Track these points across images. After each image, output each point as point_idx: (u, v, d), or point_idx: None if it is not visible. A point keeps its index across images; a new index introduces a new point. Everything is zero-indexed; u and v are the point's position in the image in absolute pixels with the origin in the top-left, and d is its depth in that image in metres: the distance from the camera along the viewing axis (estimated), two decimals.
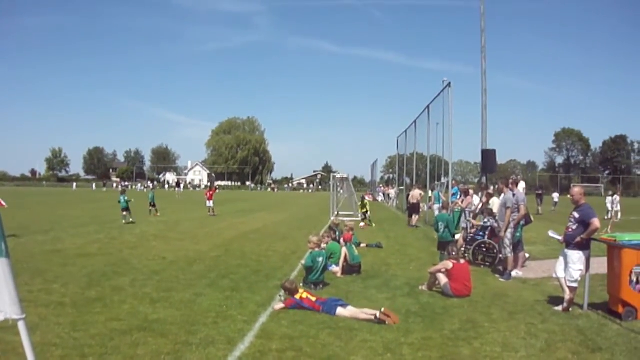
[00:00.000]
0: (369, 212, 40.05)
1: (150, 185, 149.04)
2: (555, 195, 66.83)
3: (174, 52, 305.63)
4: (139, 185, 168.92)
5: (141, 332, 10.15)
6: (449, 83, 30.55)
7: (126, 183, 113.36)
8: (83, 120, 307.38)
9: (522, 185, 29.58)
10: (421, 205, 38.94)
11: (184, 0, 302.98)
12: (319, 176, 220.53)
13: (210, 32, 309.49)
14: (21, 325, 4.91)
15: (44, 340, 9.50)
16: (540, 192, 61.13)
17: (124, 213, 36.02)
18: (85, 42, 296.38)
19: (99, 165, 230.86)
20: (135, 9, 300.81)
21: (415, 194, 37.57)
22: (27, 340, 4.94)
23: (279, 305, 12.18)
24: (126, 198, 36.40)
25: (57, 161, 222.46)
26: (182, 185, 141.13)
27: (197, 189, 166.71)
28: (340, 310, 11.57)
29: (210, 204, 45.22)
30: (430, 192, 41.32)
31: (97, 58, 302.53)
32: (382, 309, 11.33)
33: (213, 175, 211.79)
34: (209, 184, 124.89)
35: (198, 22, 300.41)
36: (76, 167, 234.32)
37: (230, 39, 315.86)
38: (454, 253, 14.57)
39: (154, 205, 44.64)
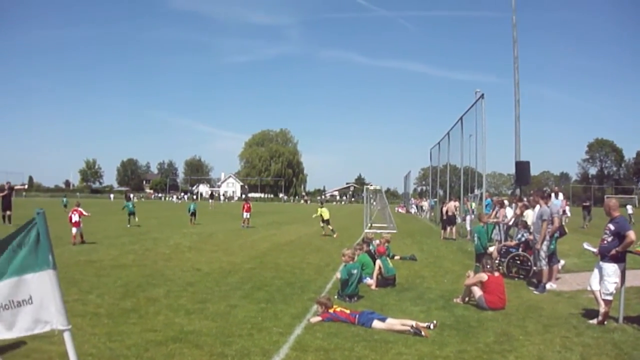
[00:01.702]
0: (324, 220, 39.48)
1: (185, 196, 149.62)
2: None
3: (207, 64, 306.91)
4: (174, 197, 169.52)
5: (177, 343, 10.20)
6: (482, 94, 30.44)
7: (132, 194, 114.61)
8: (117, 132, 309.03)
9: (560, 196, 29.46)
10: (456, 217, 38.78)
11: (216, 13, 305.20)
12: (351, 188, 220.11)
13: (242, 44, 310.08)
14: (67, 336, 4.95)
15: (80, 350, 9.50)
16: (587, 203, 55.38)
17: (130, 217, 40.16)
18: (120, 55, 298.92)
19: (132, 176, 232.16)
20: (168, 22, 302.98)
21: (451, 206, 37.38)
22: (72, 351, 4.98)
23: (314, 318, 12.19)
24: (133, 204, 41.36)
25: (90, 172, 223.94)
26: (215, 197, 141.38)
27: (231, 201, 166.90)
28: (376, 323, 11.55)
29: (247, 215, 45.27)
30: (466, 204, 41.08)
31: (131, 71, 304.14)
32: (414, 324, 11.33)
33: (246, 187, 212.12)
34: (243, 196, 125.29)
35: (230, 35, 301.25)
36: (110, 178, 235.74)
37: (261, 51, 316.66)
38: (488, 266, 14.49)
39: (194, 215, 46.06)
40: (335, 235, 37.02)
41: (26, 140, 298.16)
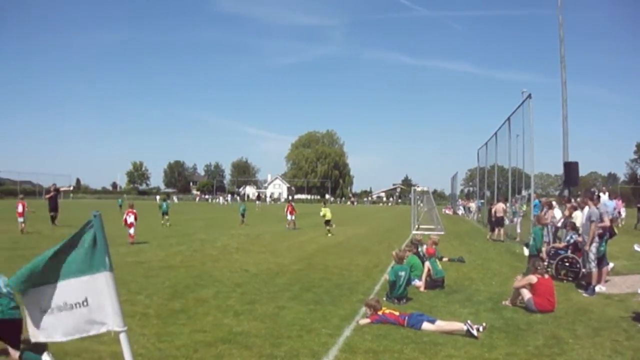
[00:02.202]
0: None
1: (230, 198, 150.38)
2: None
3: (253, 66, 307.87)
4: (220, 198, 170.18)
5: (226, 344, 10.28)
6: (529, 94, 30.25)
7: (168, 194, 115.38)
8: (164, 134, 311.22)
9: (604, 196, 29.23)
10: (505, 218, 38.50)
11: (261, 15, 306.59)
12: (398, 189, 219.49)
13: (287, 46, 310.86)
14: (122, 337, 5.00)
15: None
16: None
17: (166, 217, 41.66)
18: (167, 57, 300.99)
19: (179, 178, 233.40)
20: (213, 24, 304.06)
21: (499, 207, 37.15)
22: (128, 352, 5.04)
23: (363, 320, 12.20)
24: (168, 204, 43.24)
25: (137, 174, 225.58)
26: (262, 199, 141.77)
27: (277, 203, 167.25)
28: (426, 325, 11.54)
29: (291, 217, 45.25)
30: (515, 205, 40.75)
31: (178, 73, 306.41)
32: (468, 321, 11.29)
33: (292, 188, 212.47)
34: (289, 197, 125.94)
35: (275, 37, 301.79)
36: (157, 180, 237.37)
37: (306, 52, 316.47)
38: (539, 268, 14.39)
39: (243, 216, 47.08)
40: (329, 235, 38.27)
41: (74, 143, 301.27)
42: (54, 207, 42.23)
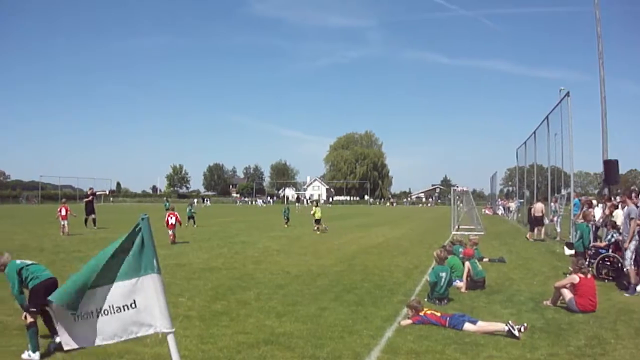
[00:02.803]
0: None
1: (270, 200, 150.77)
2: None
3: (290, 68, 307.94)
4: (259, 201, 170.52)
5: (268, 346, 10.37)
6: (567, 92, 30.09)
7: (194, 200, 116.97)
8: (203, 137, 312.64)
9: None
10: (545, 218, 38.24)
11: (296, 18, 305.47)
12: (437, 190, 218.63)
13: (324, 48, 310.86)
14: (170, 339, 5.09)
15: None
16: None
17: (190, 221, 42.74)
18: (204, 62, 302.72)
19: (218, 181, 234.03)
20: (249, 28, 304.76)
21: (539, 207, 36.92)
22: (175, 353, 5.12)
23: (405, 321, 12.23)
24: (193, 209, 44.81)
25: (177, 177, 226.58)
26: (301, 201, 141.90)
27: (328, 205, 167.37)
28: (468, 326, 11.55)
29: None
30: (555, 204, 40.42)
31: (216, 77, 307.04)
32: (509, 321, 11.29)
33: (332, 190, 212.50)
34: (315, 200, 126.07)
35: (312, 39, 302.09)
36: (196, 183, 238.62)
37: (343, 54, 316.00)
38: (583, 267, 14.32)
39: (288, 218, 48.04)
40: (319, 232, 40.84)
41: (114, 147, 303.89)
42: (90, 210, 43.57)
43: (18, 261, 10.35)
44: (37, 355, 9.76)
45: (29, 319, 9.94)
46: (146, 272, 5.25)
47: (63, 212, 37.47)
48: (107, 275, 5.26)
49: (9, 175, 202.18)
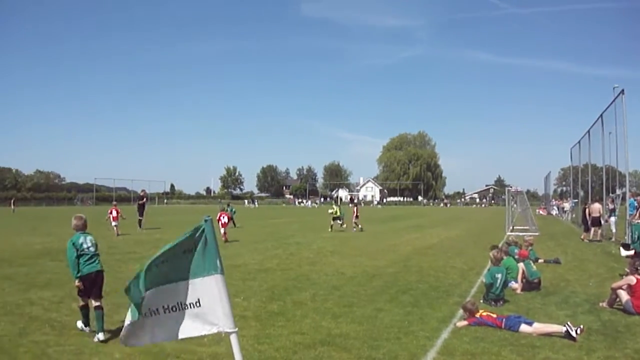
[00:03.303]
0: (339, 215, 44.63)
1: (320, 201, 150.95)
2: None
3: (340, 69, 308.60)
4: (308, 202, 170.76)
5: (325, 346, 10.44)
6: (622, 90, 29.80)
7: (229, 201, 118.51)
8: (257, 139, 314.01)
9: None
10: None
11: (346, 19, 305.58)
12: (491, 190, 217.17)
13: (375, 48, 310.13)
14: (233, 338, 5.19)
15: (228, 351, 9.85)
16: None
17: (229, 221, 41.90)
18: (257, 64, 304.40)
19: (272, 182, 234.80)
20: (301, 29, 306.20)
21: (596, 207, 36.51)
22: (238, 353, 5.22)
23: (461, 322, 12.23)
24: (233, 209, 45.86)
25: (231, 179, 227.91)
26: (355, 201, 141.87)
27: (370, 206, 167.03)
28: (524, 327, 11.50)
29: (355, 220, 45.64)
30: (611, 204, 39.96)
31: (268, 78, 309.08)
32: (568, 322, 11.26)
33: (385, 191, 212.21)
34: (355, 200, 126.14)
35: (362, 40, 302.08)
36: (250, 184, 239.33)
37: (394, 54, 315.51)
38: (639, 268, 14.20)
39: (341, 219, 46.80)
40: (331, 230, 43.47)
41: (169, 149, 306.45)
42: (142, 212, 45.85)
43: (81, 240, 11.82)
44: (101, 334, 11.03)
45: (81, 303, 11.72)
46: (210, 273, 5.35)
47: (114, 214, 39.73)
48: (172, 274, 5.37)
49: (64, 178, 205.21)
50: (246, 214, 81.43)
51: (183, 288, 5.35)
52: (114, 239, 34.08)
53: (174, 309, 5.39)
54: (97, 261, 12.00)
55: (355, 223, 45.07)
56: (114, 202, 45.15)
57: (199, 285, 5.35)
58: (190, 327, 5.43)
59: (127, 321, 5.61)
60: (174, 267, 5.40)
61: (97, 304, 11.62)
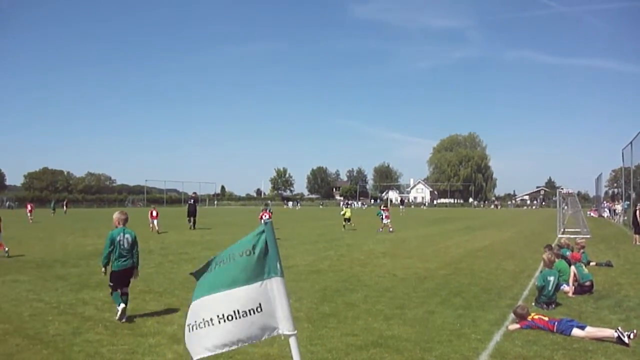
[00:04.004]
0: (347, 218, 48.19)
1: (369, 202, 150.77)
2: None
3: (392, 71, 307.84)
4: (358, 203, 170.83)
5: (377, 348, 10.46)
6: None
7: (268, 201, 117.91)
8: (307, 141, 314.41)
9: None
10: None
11: (396, 20, 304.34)
12: (542, 192, 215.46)
13: (425, 50, 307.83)
14: (292, 340, 5.24)
15: (281, 353, 9.98)
16: None
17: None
18: (307, 66, 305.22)
19: (322, 184, 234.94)
20: (350, 31, 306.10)
21: None
22: (297, 355, 5.26)
23: (513, 326, 12.17)
24: (270, 209, 45.90)
25: (281, 181, 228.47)
26: (405, 203, 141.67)
27: (422, 207, 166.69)
28: (576, 331, 11.42)
29: (387, 221, 46.08)
30: None
31: (319, 80, 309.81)
32: (619, 327, 11.19)
33: (436, 192, 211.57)
34: (389, 200, 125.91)
35: (412, 41, 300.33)
36: (300, 186, 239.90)
37: (445, 55, 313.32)
38: None
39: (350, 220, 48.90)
40: (344, 229, 46.49)
41: (220, 151, 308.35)
42: (192, 212, 47.63)
43: (119, 237, 13.16)
44: (121, 306, 12.78)
45: (123, 291, 13.13)
46: (270, 276, 5.38)
47: (154, 214, 44.86)
48: (230, 279, 5.41)
49: (114, 180, 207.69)
50: (296, 216, 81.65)
51: (244, 293, 5.37)
52: (166, 241, 34.63)
53: (235, 316, 5.38)
54: (129, 258, 13.30)
55: (387, 225, 45.63)
56: (153, 205, 53.01)
57: (260, 289, 5.36)
58: (251, 333, 5.43)
59: (191, 333, 5.62)
60: (233, 273, 5.43)
61: (124, 291, 13.19)
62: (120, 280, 13.16)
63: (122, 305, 12.75)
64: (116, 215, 13.66)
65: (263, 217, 37.86)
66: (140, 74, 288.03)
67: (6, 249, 26.00)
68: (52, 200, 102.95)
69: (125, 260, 13.19)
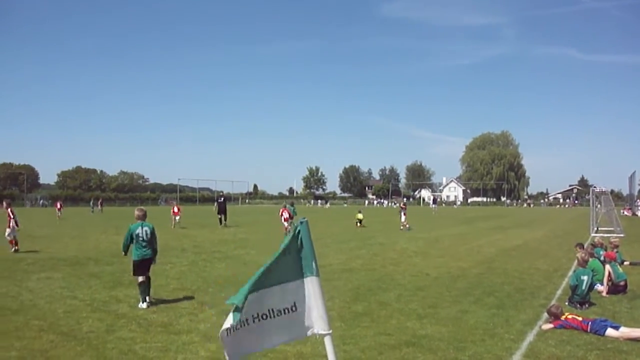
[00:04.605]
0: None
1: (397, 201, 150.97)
2: None
3: (424, 68, 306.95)
4: (385, 202, 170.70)
5: (410, 347, 10.47)
6: None
7: (291, 201, 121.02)
8: (339, 139, 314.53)
9: None
10: None
11: (429, 18, 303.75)
12: (574, 190, 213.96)
13: (458, 47, 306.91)
14: (327, 340, 5.25)
15: (314, 351, 10.02)
16: None
17: (291, 220, 44.93)
18: (338, 64, 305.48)
19: (354, 182, 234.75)
20: (382, 30, 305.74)
21: None
22: (332, 354, 5.26)
23: (546, 325, 12.11)
24: (295, 209, 46.88)
25: (314, 179, 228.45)
26: (438, 202, 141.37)
27: (453, 206, 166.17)
28: (610, 331, 11.35)
29: (404, 219, 46.65)
30: None
31: (351, 79, 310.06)
32: None
33: (468, 191, 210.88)
34: (405, 200, 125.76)
35: (444, 39, 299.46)
36: (332, 185, 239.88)
37: (477, 53, 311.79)
38: None
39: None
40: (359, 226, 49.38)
41: (252, 150, 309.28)
42: (222, 210, 49.46)
43: (137, 230, 15.08)
44: (144, 304, 14.40)
45: (140, 279, 14.71)
46: (306, 275, 5.38)
47: (175, 210, 48.71)
48: (267, 279, 5.42)
49: (147, 179, 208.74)
50: (327, 214, 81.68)
51: (279, 292, 5.36)
52: (199, 239, 34.77)
53: (270, 315, 5.39)
54: (148, 248, 15.17)
55: (404, 223, 46.24)
56: (174, 202, 58.13)
57: (296, 288, 5.35)
58: (286, 332, 5.42)
59: (227, 326, 5.61)
60: (271, 272, 5.43)
61: (142, 279, 14.71)
62: (141, 267, 14.90)
63: (144, 305, 14.39)
64: (136, 212, 15.71)
65: (283, 214, 40.97)
66: (171, 73, 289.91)
67: (16, 247, 27.16)
68: (92, 199, 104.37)
69: (145, 250, 15.07)
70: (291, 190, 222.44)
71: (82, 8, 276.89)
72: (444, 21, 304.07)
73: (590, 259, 16.81)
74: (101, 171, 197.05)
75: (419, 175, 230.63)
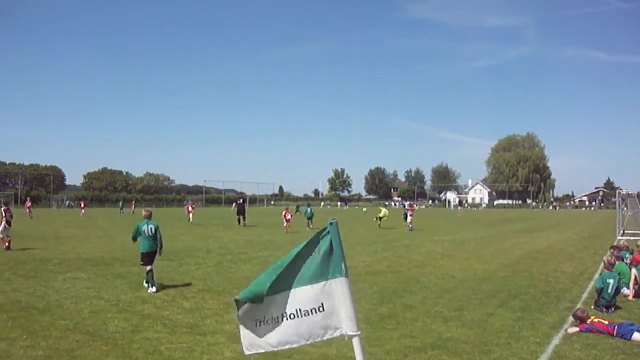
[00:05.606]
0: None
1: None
2: None
3: (449, 70, 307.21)
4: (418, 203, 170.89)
5: (435, 350, 10.45)
6: None
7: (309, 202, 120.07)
8: (365, 141, 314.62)
9: None
10: None
11: (452, 19, 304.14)
12: (601, 193, 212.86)
13: (481, 49, 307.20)
14: (355, 341, 5.25)
15: (339, 353, 10.05)
16: None
17: (308, 221, 47.72)
18: (362, 67, 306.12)
19: (380, 185, 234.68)
20: (405, 31, 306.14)
21: None
22: (360, 355, 5.27)
23: (572, 329, 12.06)
24: (312, 210, 49.99)
25: (339, 181, 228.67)
26: (464, 204, 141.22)
27: (478, 208, 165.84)
28: (637, 335, 11.26)
29: (410, 219, 47.80)
30: None
31: (376, 81, 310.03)
32: None
33: (494, 193, 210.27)
34: (409, 199, 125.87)
35: (468, 40, 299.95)
36: (358, 186, 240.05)
37: (501, 54, 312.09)
38: None
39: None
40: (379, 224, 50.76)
41: (278, 152, 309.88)
42: (241, 211, 51.78)
43: (143, 227, 17.52)
44: (153, 288, 16.77)
45: (147, 268, 17.00)
46: (334, 276, 5.37)
47: (190, 209, 56.49)
48: (293, 278, 5.42)
49: (173, 180, 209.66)
50: (351, 216, 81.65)
51: (306, 293, 5.36)
52: (224, 240, 34.94)
53: (297, 314, 5.39)
54: (154, 242, 17.51)
55: (409, 223, 47.17)
56: (190, 201, 62.55)
57: (324, 289, 5.36)
58: (312, 332, 5.43)
59: (246, 329, 5.62)
60: (296, 272, 5.44)
61: (149, 268, 17.01)
62: (147, 258, 17.21)
63: (153, 289, 16.78)
64: (143, 212, 18.44)
65: (286, 215, 44.68)
66: (200, 76, 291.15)
67: (6, 244, 27.88)
68: (121, 200, 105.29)
69: (150, 243, 17.46)
70: (316, 192, 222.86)
71: (112, 7, 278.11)
72: (468, 22, 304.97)
73: (617, 262, 16.75)
74: (127, 172, 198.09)
75: (445, 177, 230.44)
